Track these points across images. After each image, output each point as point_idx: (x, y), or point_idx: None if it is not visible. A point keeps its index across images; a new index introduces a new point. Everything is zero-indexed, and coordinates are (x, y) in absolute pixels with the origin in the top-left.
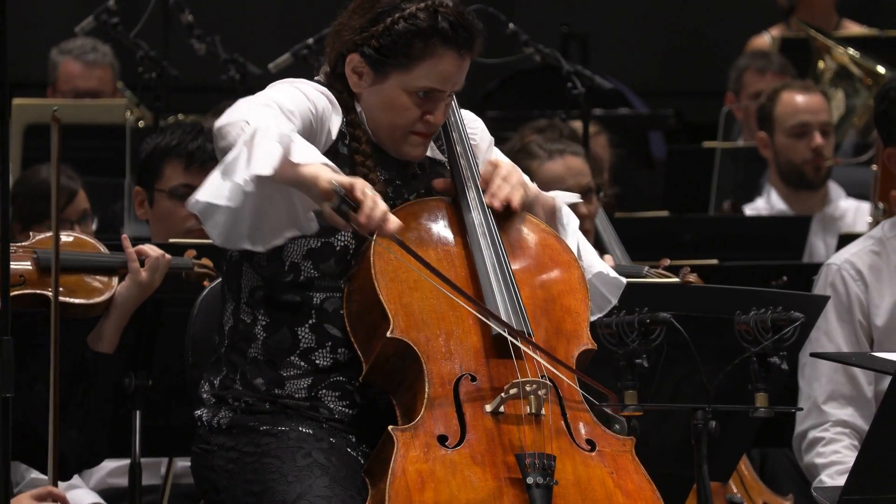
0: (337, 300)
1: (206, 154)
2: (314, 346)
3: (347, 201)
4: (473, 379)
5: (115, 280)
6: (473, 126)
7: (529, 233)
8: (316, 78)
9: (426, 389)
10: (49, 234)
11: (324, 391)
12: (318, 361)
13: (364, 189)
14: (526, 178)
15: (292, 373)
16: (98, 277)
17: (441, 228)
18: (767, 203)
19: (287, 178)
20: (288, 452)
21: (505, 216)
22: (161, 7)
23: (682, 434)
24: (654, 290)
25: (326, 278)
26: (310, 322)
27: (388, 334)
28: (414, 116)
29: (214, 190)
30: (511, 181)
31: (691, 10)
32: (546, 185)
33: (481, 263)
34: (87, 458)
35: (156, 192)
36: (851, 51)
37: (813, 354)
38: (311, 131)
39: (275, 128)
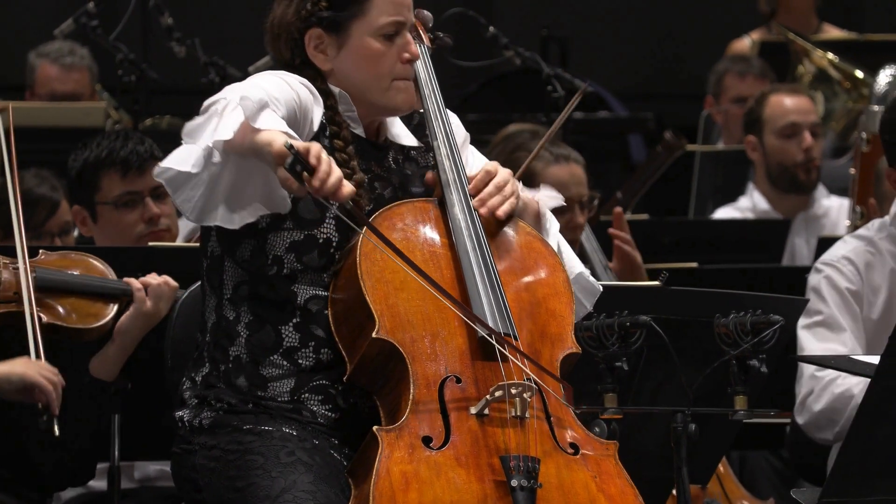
0: (322, 300)
1: (139, 158)
2: (297, 345)
3: (301, 162)
4: (458, 381)
5: (114, 307)
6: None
7: (515, 235)
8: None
9: (411, 390)
10: (56, 254)
11: (307, 395)
12: (300, 361)
13: (320, 153)
14: (518, 185)
15: (275, 373)
16: (97, 303)
17: (427, 230)
18: (751, 202)
19: (247, 145)
20: (272, 450)
21: (492, 219)
22: (140, 10)
23: (662, 437)
24: (634, 293)
25: (310, 272)
26: (294, 321)
27: (374, 335)
28: (391, 60)
29: (180, 157)
30: (504, 191)
31: (671, 13)
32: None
33: (467, 265)
34: (68, 479)
35: (98, 205)
36: (830, 55)
37: (792, 358)
38: (295, 121)
39: (247, 99)
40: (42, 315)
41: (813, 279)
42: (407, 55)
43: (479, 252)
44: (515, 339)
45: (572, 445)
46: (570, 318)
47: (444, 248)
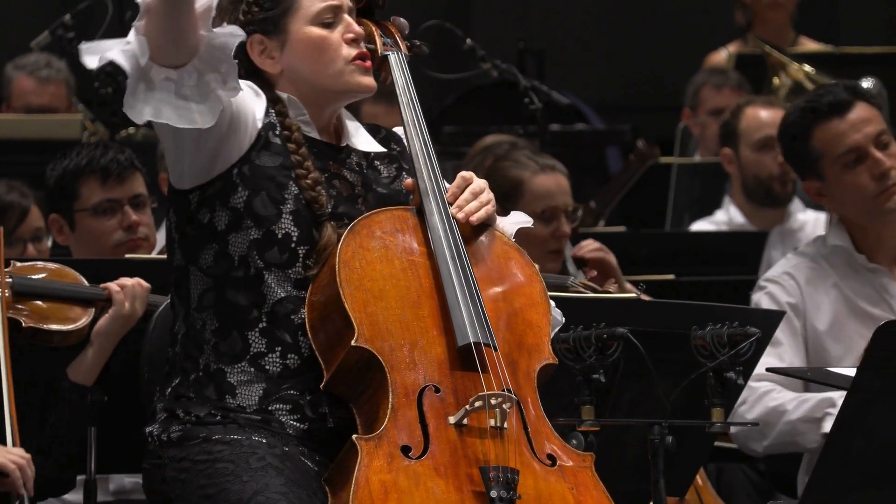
0: (289, 303)
1: (119, 166)
2: (264, 350)
3: None
4: (437, 390)
5: (91, 311)
6: None
7: (493, 245)
8: None
9: (390, 399)
10: (32, 262)
11: (275, 405)
12: (267, 367)
13: None
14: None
15: (244, 378)
16: (74, 308)
17: (406, 238)
18: (727, 216)
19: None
20: (242, 457)
21: (470, 228)
22: (118, 22)
23: (639, 449)
24: (610, 305)
25: (273, 269)
26: (260, 326)
27: (353, 343)
28: (336, 43)
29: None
30: (480, 197)
31: (647, 26)
32: (536, 198)
33: (446, 274)
34: (49, 488)
35: (76, 213)
36: (807, 67)
37: (769, 370)
38: (242, 103)
39: None
40: (21, 319)
41: (755, 297)
42: (350, 35)
43: (458, 261)
44: (494, 349)
45: (549, 457)
46: (547, 329)
47: (423, 257)
